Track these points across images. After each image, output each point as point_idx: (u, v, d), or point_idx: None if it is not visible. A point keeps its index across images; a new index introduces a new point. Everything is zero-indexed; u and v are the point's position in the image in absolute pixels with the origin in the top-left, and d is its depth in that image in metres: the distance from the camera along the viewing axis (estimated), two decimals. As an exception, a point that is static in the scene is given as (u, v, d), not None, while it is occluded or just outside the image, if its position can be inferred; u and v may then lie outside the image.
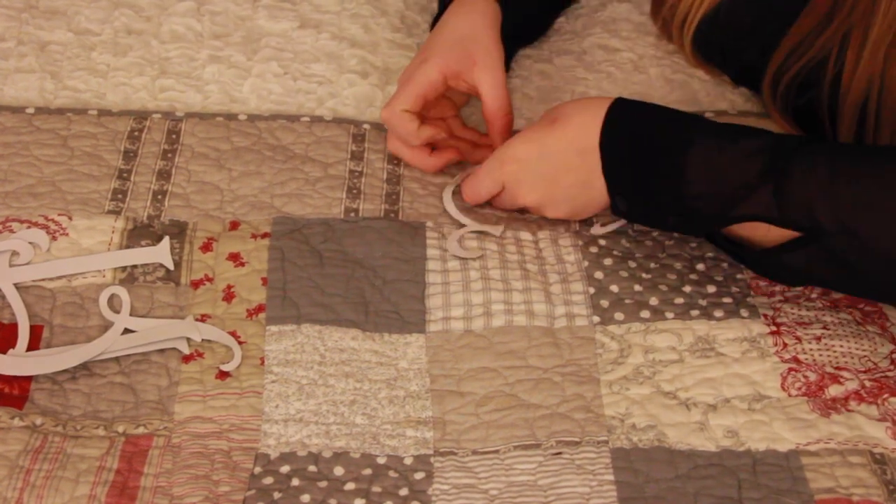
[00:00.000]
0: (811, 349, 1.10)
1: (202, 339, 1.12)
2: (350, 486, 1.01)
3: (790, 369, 1.09)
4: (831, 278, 1.10)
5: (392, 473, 1.02)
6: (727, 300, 1.14)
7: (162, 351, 1.11)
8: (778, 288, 1.16)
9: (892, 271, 1.05)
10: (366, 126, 1.32)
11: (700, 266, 1.18)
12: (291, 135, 1.31)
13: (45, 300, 1.14)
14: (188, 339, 1.12)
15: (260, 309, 1.14)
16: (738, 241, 1.13)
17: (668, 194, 1.11)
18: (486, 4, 1.26)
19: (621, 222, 1.21)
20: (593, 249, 1.20)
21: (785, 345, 1.10)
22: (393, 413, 1.07)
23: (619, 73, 1.39)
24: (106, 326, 1.12)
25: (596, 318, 1.13)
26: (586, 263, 1.18)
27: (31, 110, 1.32)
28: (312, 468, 1.03)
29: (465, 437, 1.05)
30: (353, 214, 1.23)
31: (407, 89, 1.23)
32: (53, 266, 1.16)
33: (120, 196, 1.24)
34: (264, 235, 1.20)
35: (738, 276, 1.17)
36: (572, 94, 1.37)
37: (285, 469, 1.03)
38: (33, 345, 1.11)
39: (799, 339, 1.11)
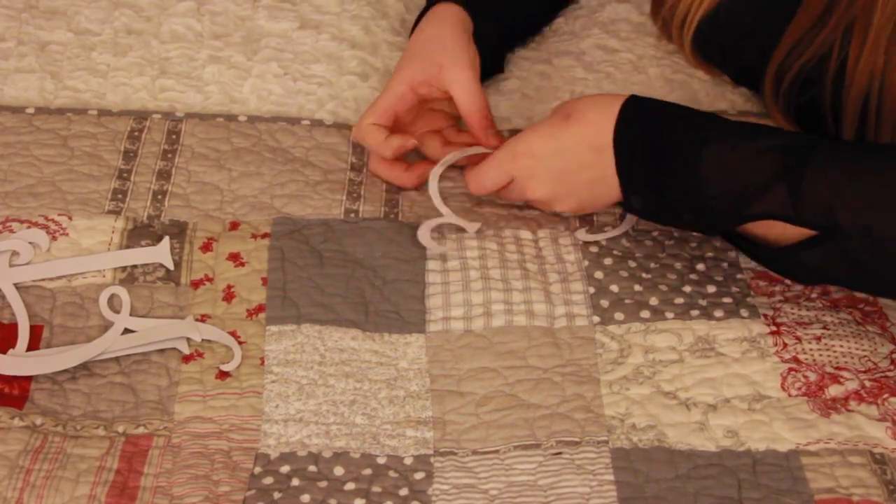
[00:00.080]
0: (811, 349, 1.10)
1: (202, 339, 1.12)
2: (350, 486, 1.01)
3: (790, 369, 1.09)
4: (846, 276, 1.10)
5: (392, 473, 1.02)
6: (727, 300, 1.14)
7: (162, 351, 1.11)
8: (778, 288, 1.16)
9: None
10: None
11: (700, 266, 1.18)
12: (291, 138, 1.31)
13: (45, 300, 1.14)
14: (188, 339, 1.12)
15: (260, 309, 1.14)
16: (754, 238, 1.13)
17: (682, 192, 1.11)
18: (454, 12, 1.27)
19: (609, 233, 1.20)
20: (593, 249, 1.20)
21: (785, 345, 1.10)
22: (393, 413, 1.07)
23: (618, 73, 1.39)
24: (106, 326, 1.12)
25: (596, 318, 1.13)
26: (586, 263, 1.18)
27: (31, 110, 1.32)
28: (312, 468, 1.03)
29: (465, 437, 1.05)
30: (352, 215, 1.23)
31: (375, 104, 1.25)
32: (53, 266, 1.16)
33: (120, 196, 1.24)
34: (264, 236, 1.20)
35: (738, 276, 1.17)
36: (572, 94, 1.37)
37: (285, 469, 1.02)
38: (33, 345, 1.11)
39: (799, 339, 1.11)
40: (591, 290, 1.15)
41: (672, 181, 1.11)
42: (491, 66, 1.36)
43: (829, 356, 1.10)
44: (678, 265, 1.18)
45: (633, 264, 1.18)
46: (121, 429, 1.05)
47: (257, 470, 1.02)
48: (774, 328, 1.12)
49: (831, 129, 1.20)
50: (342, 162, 1.29)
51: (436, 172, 1.23)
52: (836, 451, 1.03)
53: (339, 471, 1.02)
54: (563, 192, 1.17)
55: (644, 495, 1.00)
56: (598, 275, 1.17)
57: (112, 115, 1.32)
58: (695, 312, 1.13)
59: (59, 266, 1.16)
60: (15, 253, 1.17)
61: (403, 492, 1.01)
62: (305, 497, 1.00)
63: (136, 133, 1.30)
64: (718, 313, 1.13)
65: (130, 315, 1.13)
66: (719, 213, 1.11)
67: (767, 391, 1.07)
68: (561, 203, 1.18)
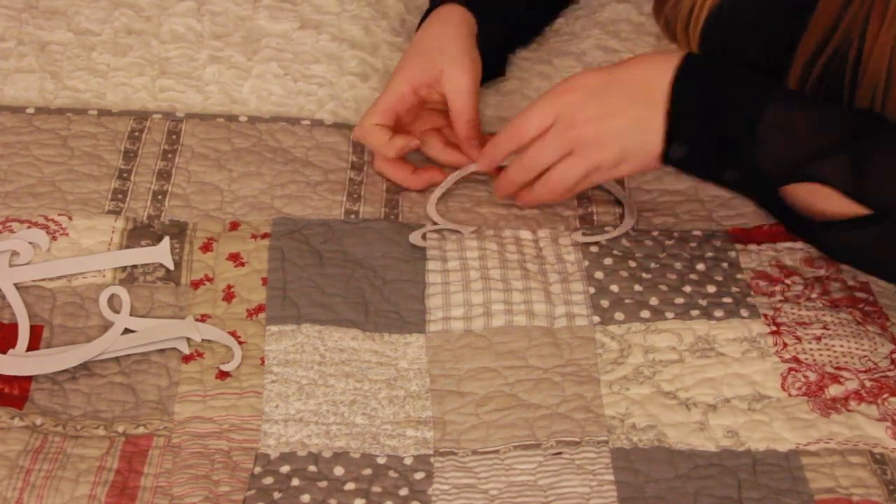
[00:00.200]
0: (811, 349, 1.10)
1: (202, 339, 1.11)
2: (350, 486, 1.01)
3: (790, 369, 1.09)
4: (891, 261, 1.09)
5: (392, 473, 1.02)
6: (727, 300, 1.14)
7: (162, 351, 1.11)
8: (778, 288, 1.16)
9: None
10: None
11: (700, 266, 1.18)
12: (292, 138, 1.31)
13: (45, 300, 1.14)
14: (188, 339, 1.12)
15: (260, 309, 1.14)
16: (791, 207, 1.12)
17: (733, 149, 1.10)
18: (459, 14, 1.27)
19: (609, 233, 1.20)
20: (593, 249, 1.20)
21: (785, 345, 1.10)
22: (393, 413, 1.07)
23: (618, 73, 1.39)
24: (106, 326, 1.12)
25: (596, 318, 1.13)
26: (586, 263, 1.18)
27: (31, 110, 1.32)
28: (312, 468, 1.03)
29: (465, 437, 1.05)
30: (353, 216, 1.23)
31: (376, 104, 1.25)
32: (53, 266, 1.16)
33: (120, 196, 1.24)
34: (264, 236, 1.20)
35: (738, 276, 1.17)
36: (572, 94, 1.37)
37: (285, 469, 1.02)
38: (33, 345, 1.11)
39: (799, 339, 1.11)
40: (592, 290, 1.15)
41: (724, 136, 1.10)
42: (494, 68, 1.36)
43: (829, 356, 1.10)
44: (678, 265, 1.18)
45: (633, 264, 1.18)
46: (121, 429, 1.05)
47: (257, 470, 1.02)
48: (774, 328, 1.12)
49: None
50: (342, 161, 1.29)
51: (433, 198, 1.24)
52: (836, 451, 1.03)
53: (339, 471, 1.02)
54: (607, 132, 1.13)
55: (644, 495, 1.00)
56: (599, 275, 1.17)
57: (112, 115, 1.32)
58: (695, 312, 1.13)
59: (59, 266, 1.16)
60: (15, 253, 1.17)
61: (403, 492, 1.01)
62: (305, 497, 1.00)
63: (137, 133, 1.30)
64: (718, 313, 1.13)
65: (130, 315, 1.13)
66: (768, 175, 1.10)
67: (767, 391, 1.07)
68: (603, 148, 1.14)
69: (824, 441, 1.03)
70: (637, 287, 1.15)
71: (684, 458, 1.03)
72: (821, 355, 1.10)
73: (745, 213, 1.23)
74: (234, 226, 1.21)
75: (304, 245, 1.19)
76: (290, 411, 1.06)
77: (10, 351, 1.10)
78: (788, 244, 1.20)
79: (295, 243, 1.19)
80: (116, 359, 1.10)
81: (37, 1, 1.45)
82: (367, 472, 1.02)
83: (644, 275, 1.17)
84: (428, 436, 1.05)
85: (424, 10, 1.32)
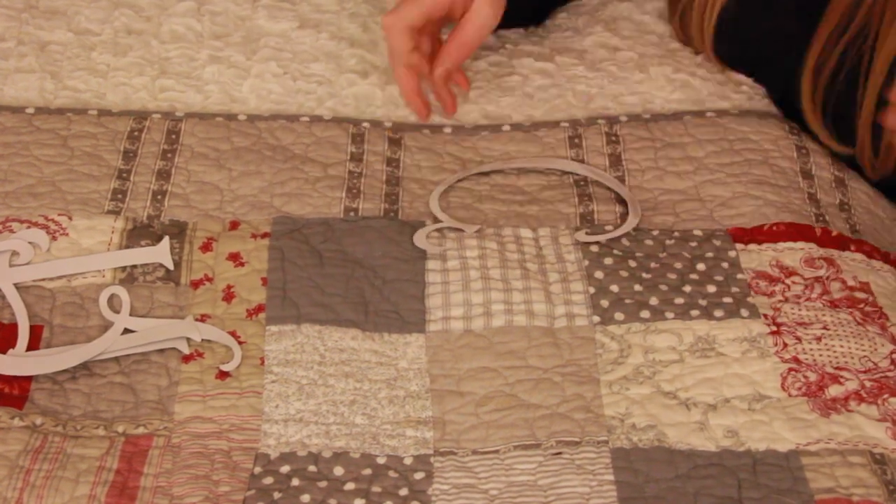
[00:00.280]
0: (811, 349, 1.10)
1: (202, 339, 1.12)
2: (350, 486, 1.01)
3: (790, 369, 1.09)
4: None
5: (392, 473, 1.02)
6: (727, 300, 1.14)
7: (162, 351, 1.11)
8: (778, 288, 1.16)
9: None
10: (365, 125, 1.32)
11: (700, 265, 1.18)
12: (291, 135, 1.31)
13: (44, 300, 1.14)
14: (188, 339, 1.12)
15: (260, 309, 1.14)
16: None
17: None
18: None
19: (610, 233, 1.20)
20: (594, 248, 1.20)
21: (785, 345, 1.10)
22: (393, 413, 1.07)
23: (620, 72, 1.39)
24: (106, 326, 1.12)
25: (596, 318, 1.13)
26: (587, 262, 1.18)
27: (31, 110, 1.32)
28: (312, 468, 1.03)
29: (464, 437, 1.05)
30: (352, 214, 1.23)
31: (416, 3, 1.23)
32: (53, 266, 1.16)
33: (120, 196, 1.24)
34: (264, 235, 1.20)
35: (739, 275, 1.17)
36: (573, 92, 1.37)
37: (285, 469, 1.02)
38: (33, 345, 1.11)
39: (799, 339, 1.11)
40: (592, 289, 1.15)
41: None
42: (531, 14, 1.36)
43: (829, 356, 1.10)
44: (678, 265, 1.18)
45: (633, 264, 1.18)
46: (121, 429, 1.05)
47: (257, 470, 1.02)
48: (775, 328, 1.12)
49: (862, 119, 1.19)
50: (342, 153, 1.29)
51: (436, 193, 1.24)
52: (836, 451, 1.03)
53: (338, 471, 1.02)
54: None
55: (644, 495, 1.00)
56: (599, 274, 1.17)
57: (112, 115, 1.32)
58: (695, 312, 1.13)
59: (59, 266, 1.16)
60: (15, 253, 1.17)
61: (403, 492, 1.01)
62: (305, 497, 1.00)
63: (136, 133, 1.30)
64: (719, 313, 1.13)
65: (130, 315, 1.13)
66: None
67: (767, 391, 1.07)
68: None
69: (824, 441, 1.03)
70: (637, 287, 1.15)
71: (684, 458, 1.03)
72: (821, 355, 1.10)
73: (746, 212, 1.23)
74: (234, 225, 1.21)
75: (304, 245, 1.19)
76: (290, 411, 1.07)
77: (10, 351, 1.10)
78: (789, 244, 1.20)
79: (295, 243, 1.19)
80: (116, 359, 1.10)
81: (37, 1, 1.45)
82: (367, 472, 1.02)
83: (644, 274, 1.17)
84: (428, 436, 1.05)
85: None
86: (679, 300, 1.14)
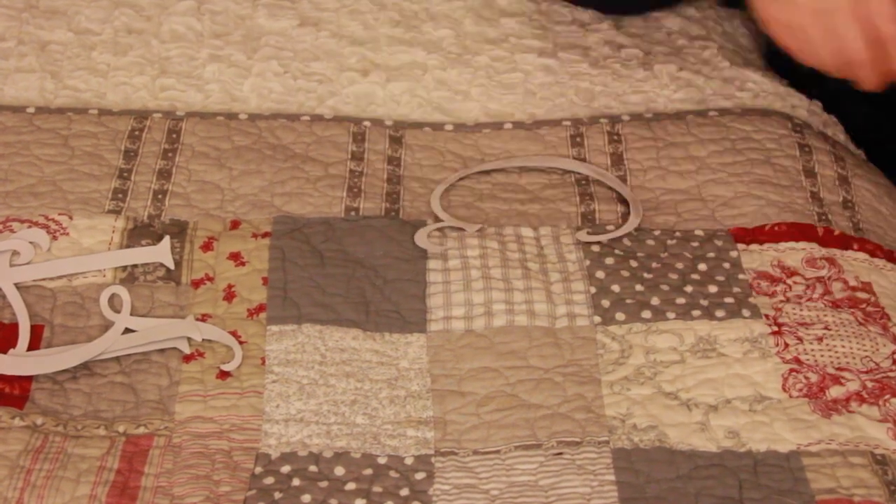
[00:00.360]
0: (813, 350, 1.10)
1: (203, 339, 1.11)
2: (351, 486, 1.01)
3: (791, 370, 1.09)
4: None
5: (393, 473, 1.02)
6: (729, 300, 1.14)
7: (162, 350, 1.11)
8: (779, 288, 1.16)
9: None
10: (366, 124, 1.32)
11: (702, 266, 1.18)
12: (292, 134, 1.31)
13: (45, 300, 1.14)
14: (189, 339, 1.12)
15: (261, 308, 1.14)
16: None
17: None
18: None
19: (611, 233, 1.20)
20: (595, 248, 1.19)
21: (786, 345, 1.10)
22: (394, 413, 1.07)
23: (623, 69, 1.39)
24: (106, 326, 1.12)
25: (597, 318, 1.13)
26: (588, 262, 1.18)
27: (31, 110, 1.32)
28: (313, 468, 1.03)
29: (465, 438, 1.05)
30: (353, 213, 1.23)
31: None
32: (54, 266, 1.16)
33: (120, 195, 1.24)
34: (265, 235, 1.20)
35: (740, 276, 1.17)
36: (576, 90, 1.37)
37: (286, 469, 1.02)
38: (34, 344, 1.11)
39: (800, 340, 1.11)
40: (593, 289, 1.15)
41: None
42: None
43: (830, 357, 1.10)
44: (680, 265, 1.18)
45: (634, 264, 1.18)
46: (121, 429, 1.05)
47: (258, 470, 1.02)
48: (776, 328, 1.12)
49: None
50: (342, 153, 1.29)
51: (437, 192, 1.24)
52: (837, 451, 1.02)
53: (339, 471, 1.02)
54: None
55: (645, 496, 1.00)
56: (600, 274, 1.17)
57: (112, 115, 1.32)
58: (696, 312, 1.13)
59: (60, 266, 1.16)
60: (15, 252, 1.17)
61: (404, 492, 1.01)
62: (306, 497, 1.00)
63: (137, 132, 1.30)
64: (720, 313, 1.13)
65: (131, 314, 1.13)
66: None
67: (768, 392, 1.07)
68: None
69: (825, 442, 1.03)
70: (638, 287, 1.15)
71: (685, 459, 1.03)
72: (822, 356, 1.10)
73: (748, 212, 1.23)
74: (235, 225, 1.21)
75: (305, 244, 1.19)
76: (290, 411, 1.07)
77: (11, 351, 1.10)
78: (790, 244, 1.20)
79: (295, 242, 1.19)
80: (117, 358, 1.10)
81: (37, 0, 1.45)
82: (368, 472, 1.02)
83: (645, 274, 1.17)
84: (429, 436, 1.05)
85: None
86: (680, 300, 1.14)
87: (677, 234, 1.21)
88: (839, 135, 1.38)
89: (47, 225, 1.20)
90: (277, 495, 1.00)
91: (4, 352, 1.10)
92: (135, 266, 1.17)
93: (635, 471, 1.02)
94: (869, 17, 1.16)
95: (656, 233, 1.21)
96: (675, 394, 1.07)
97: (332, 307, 1.14)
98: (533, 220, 1.23)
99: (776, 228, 1.21)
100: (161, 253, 1.18)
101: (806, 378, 1.08)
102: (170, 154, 1.28)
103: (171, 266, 1.17)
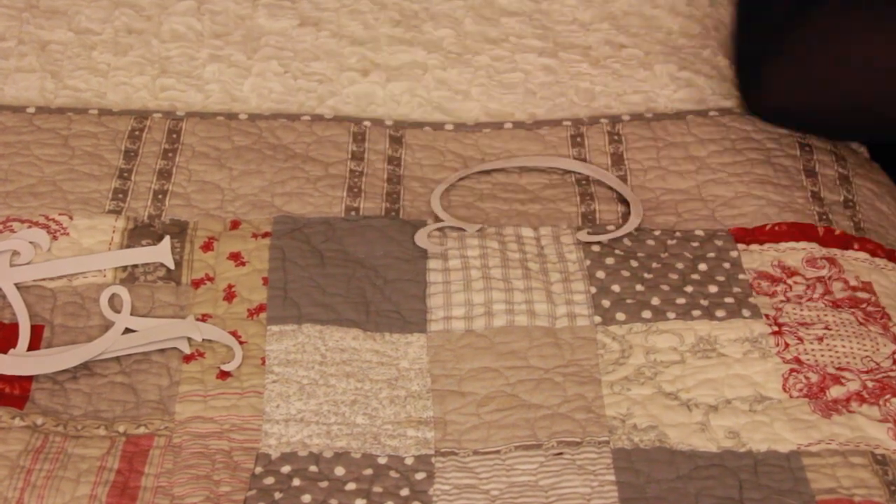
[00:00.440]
0: (813, 349, 1.10)
1: (203, 339, 1.11)
2: (351, 486, 1.01)
3: (791, 370, 1.09)
4: None
5: (393, 473, 1.02)
6: (729, 300, 1.14)
7: (163, 350, 1.11)
8: (780, 288, 1.16)
9: None
10: (366, 124, 1.32)
11: (702, 266, 1.18)
12: (292, 134, 1.31)
13: (45, 300, 1.14)
14: (189, 339, 1.12)
15: (261, 309, 1.14)
16: None
17: None
18: None
19: (611, 233, 1.20)
20: (595, 248, 1.19)
21: (787, 345, 1.10)
22: (394, 413, 1.07)
23: (624, 69, 1.39)
24: (107, 326, 1.12)
25: (597, 319, 1.13)
26: (588, 262, 1.18)
27: (31, 110, 1.32)
28: (313, 468, 1.03)
29: (466, 438, 1.05)
30: (353, 213, 1.23)
31: None
32: (54, 266, 1.16)
33: (121, 195, 1.24)
34: (265, 235, 1.20)
35: (740, 276, 1.17)
36: (576, 90, 1.37)
37: (286, 469, 1.02)
38: (34, 344, 1.11)
39: (801, 340, 1.11)
40: (593, 289, 1.15)
41: None
42: None
43: (830, 357, 1.10)
44: (680, 265, 1.18)
45: (634, 264, 1.18)
46: (122, 429, 1.05)
47: (258, 470, 1.02)
48: (776, 328, 1.12)
49: None
50: (343, 153, 1.29)
51: (437, 192, 1.24)
52: (837, 451, 1.03)
53: (339, 471, 1.02)
54: None
55: (645, 496, 1.00)
56: (600, 274, 1.17)
57: (113, 115, 1.32)
58: (696, 312, 1.13)
59: (60, 266, 1.16)
60: (16, 253, 1.17)
61: (404, 492, 1.01)
62: (306, 497, 1.00)
63: (137, 132, 1.30)
64: (720, 313, 1.13)
65: (131, 315, 1.13)
66: None
67: (769, 392, 1.07)
68: None
69: (826, 442, 1.03)
70: (639, 287, 1.15)
71: (685, 459, 1.03)
72: (822, 356, 1.10)
73: (748, 212, 1.23)
74: (235, 225, 1.21)
75: (305, 244, 1.19)
76: (290, 411, 1.06)
77: (11, 351, 1.10)
78: (791, 244, 1.20)
79: (296, 242, 1.19)
80: (117, 358, 1.10)
81: (37, 0, 1.45)
82: (368, 472, 1.02)
83: (646, 274, 1.17)
84: (429, 436, 1.05)
85: None
86: (681, 300, 1.14)
87: (677, 234, 1.21)
88: (839, 133, 1.38)
89: (47, 225, 1.20)
90: (277, 495, 1.00)
91: (4, 352, 1.10)
92: (135, 266, 1.17)
93: (635, 471, 1.02)
94: None
95: (656, 233, 1.21)
96: (676, 394, 1.07)
97: (332, 307, 1.14)
98: (533, 220, 1.22)
99: (776, 228, 1.21)
100: (161, 253, 1.18)
101: (806, 378, 1.08)
102: (170, 154, 1.28)
103: (172, 266, 1.17)
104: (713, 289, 1.15)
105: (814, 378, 1.08)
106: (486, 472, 1.02)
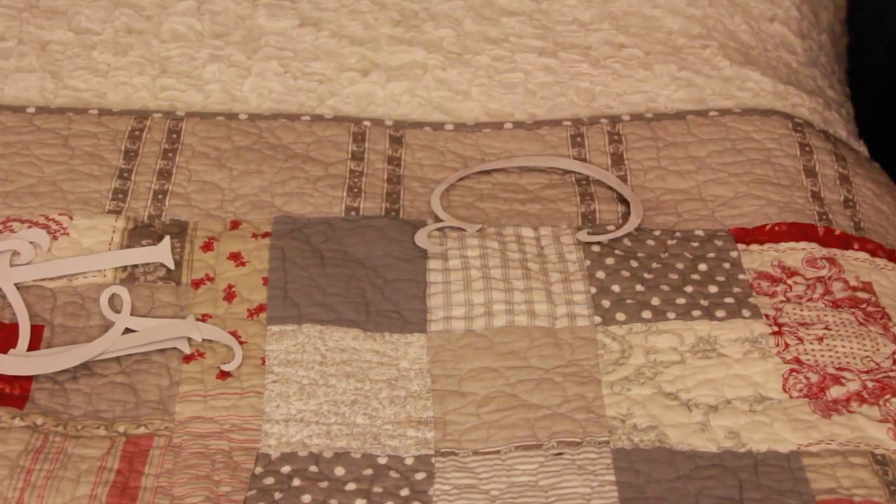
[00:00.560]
0: (813, 350, 1.10)
1: (203, 339, 1.11)
2: (351, 486, 1.01)
3: (791, 370, 1.09)
4: None
5: (393, 474, 1.02)
6: (729, 300, 1.14)
7: (163, 351, 1.11)
8: (780, 288, 1.16)
9: None
10: (366, 124, 1.32)
11: (702, 266, 1.18)
12: (292, 134, 1.31)
13: (45, 300, 1.14)
14: (189, 339, 1.12)
15: (261, 309, 1.14)
16: None
17: None
18: None
19: (612, 233, 1.20)
20: (595, 248, 1.19)
21: (787, 345, 1.10)
22: (394, 413, 1.07)
23: (624, 69, 1.39)
24: (107, 326, 1.12)
25: (597, 319, 1.13)
26: (588, 262, 1.18)
27: (31, 110, 1.32)
28: (313, 468, 1.03)
29: (466, 438, 1.05)
30: (353, 213, 1.23)
31: None
32: (54, 266, 1.16)
33: (121, 196, 1.24)
34: (265, 235, 1.20)
35: (740, 276, 1.17)
36: (576, 90, 1.37)
37: (286, 469, 1.02)
38: (34, 345, 1.11)
39: (801, 340, 1.11)
40: (593, 289, 1.15)
41: None
42: None
43: (830, 357, 1.10)
44: (680, 265, 1.18)
45: (634, 264, 1.18)
46: (122, 429, 1.05)
47: (258, 470, 1.02)
48: (776, 328, 1.12)
49: None
50: (343, 153, 1.29)
51: (437, 192, 1.24)
52: (837, 451, 1.02)
53: (339, 471, 1.02)
54: None
55: (645, 496, 1.00)
56: (600, 274, 1.17)
57: (113, 115, 1.32)
58: (696, 313, 1.13)
59: (60, 266, 1.16)
60: (16, 253, 1.17)
61: (404, 492, 1.01)
62: (306, 497, 1.00)
63: (137, 132, 1.30)
64: (720, 313, 1.13)
65: (131, 315, 1.13)
66: None
67: (769, 392, 1.07)
68: None
69: (825, 442, 1.03)
70: (639, 287, 1.15)
71: (685, 459, 1.03)
72: (822, 356, 1.10)
73: (748, 212, 1.23)
74: (235, 225, 1.21)
75: (305, 244, 1.19)
76: (290, 411, 1.06)
77: (11, 351, 1.10)
78: (791, 244, 1.20)
79: (296, 242, 1.19)
80: (117, 358, 1.10)
81: (37, 0, 1.45)
82: (368, 472, 1.02)
83: (646, 274, 1.17)
84: (429, 436, 1.05)
85: None
86: (680, 300, 1.14)
87: (677, 234, 1.21)
88: (840, 133, 1.38)
89: (47, 225, 1.20)
90: (278, 495, 1.00)
91: (4, 352, 1.10)
92: (135, 266, 1.17)
93: (635, 471, 1.02)
94: None
95: (656, 233, 1.21)
96: (676, 394, 1.07)
97: (332, 307, 1.14)
98: (533, 220, 1.22)
99: (776, 228, 1.21)
100: (161, 253, 1.18)
101: (806, 378, 1.08)
102: (170, 154, 1.28)
103: (172, 266, 1.17)
104: (713, 289, 1.15)
105: (814, 378, 1.08)
106: (486, 472, 1.02)
